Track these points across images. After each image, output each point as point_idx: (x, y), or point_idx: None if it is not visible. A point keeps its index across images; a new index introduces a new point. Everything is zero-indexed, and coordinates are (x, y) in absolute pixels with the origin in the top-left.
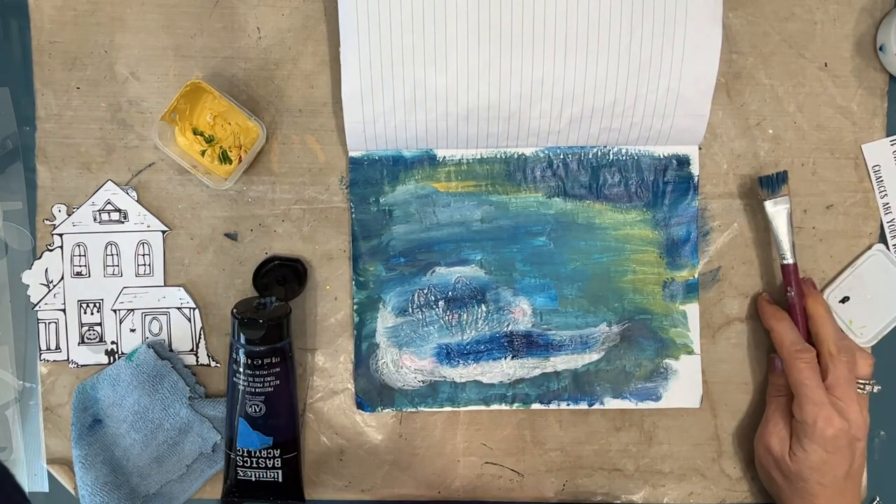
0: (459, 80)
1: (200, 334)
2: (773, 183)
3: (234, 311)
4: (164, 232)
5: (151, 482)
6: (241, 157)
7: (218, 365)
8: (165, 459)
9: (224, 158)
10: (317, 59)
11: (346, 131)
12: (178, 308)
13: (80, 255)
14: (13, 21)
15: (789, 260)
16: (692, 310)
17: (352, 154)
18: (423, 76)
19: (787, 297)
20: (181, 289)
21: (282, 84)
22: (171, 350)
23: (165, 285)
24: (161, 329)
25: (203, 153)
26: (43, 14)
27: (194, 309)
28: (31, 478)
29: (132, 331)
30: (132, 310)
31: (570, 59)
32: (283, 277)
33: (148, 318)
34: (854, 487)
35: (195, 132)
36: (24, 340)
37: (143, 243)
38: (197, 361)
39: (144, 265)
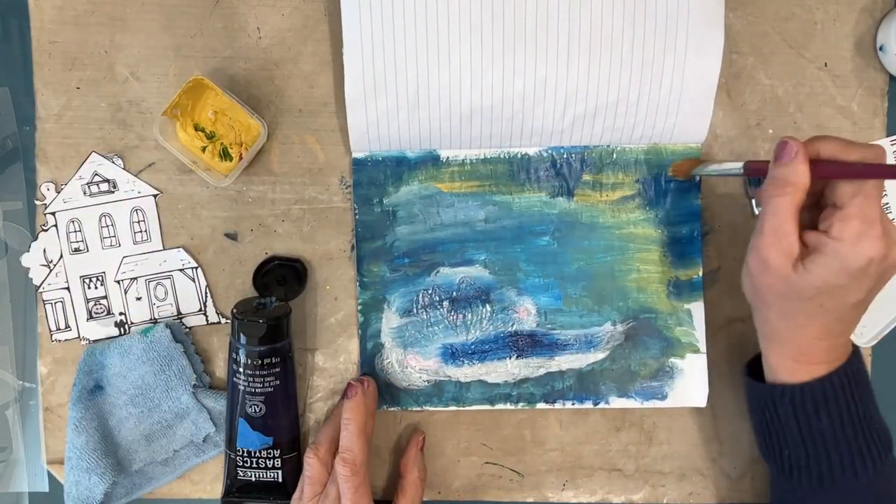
0: (462, 80)
1: (206, 292)
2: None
3: (234, 311)
4: (155, 196)
5: (136, 459)
6: (241, 154)
7: (228, 321)
8: (155, 439)
9: (225, 155)
10: (317, 59)
11: (350, 132)
12: (181, 270)
13: (75, 231)
14: (13, 21)
15: None
16: (697, 308)
17: (355, 155)
18: (427, 76)
19: None
20: (181, 250)
21: (282, 84)
22: (181, 315)
23: (164, 248)
24: (167, 293)
25: (204, 149)
26: (43, 14)
27: (196, 268)
28: (32, 478)
29: (138, 299)
30: (135, 278)
31: (573, 58)
32: (283, 277)
33: (152, 284)
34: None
35: (196, 128)
36: (24, 340)
37: (136, 210)
38: (207, 321)
39: (141, 231)
